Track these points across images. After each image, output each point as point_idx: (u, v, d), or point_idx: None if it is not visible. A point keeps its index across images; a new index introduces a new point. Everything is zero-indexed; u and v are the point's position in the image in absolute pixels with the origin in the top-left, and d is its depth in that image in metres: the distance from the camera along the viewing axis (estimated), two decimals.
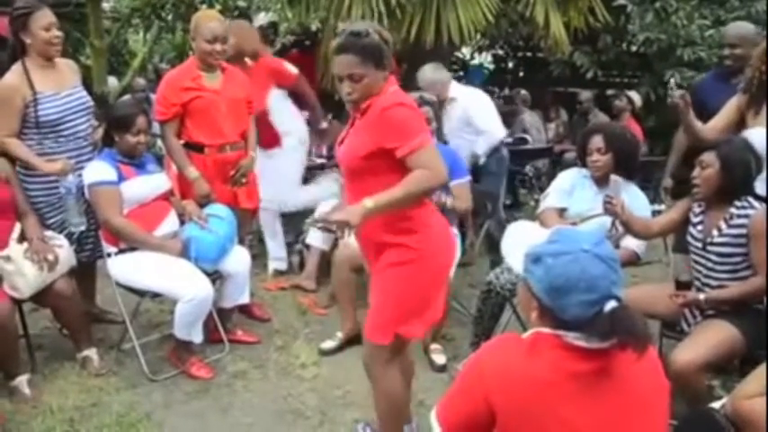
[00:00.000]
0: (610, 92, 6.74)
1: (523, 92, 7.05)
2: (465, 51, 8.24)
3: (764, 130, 2.75)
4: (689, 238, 2.49)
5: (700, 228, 2.45)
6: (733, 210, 2.36)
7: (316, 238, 3.88)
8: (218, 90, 3.17)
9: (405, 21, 4.31)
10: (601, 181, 2.85)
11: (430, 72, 3.94)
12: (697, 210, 2.49)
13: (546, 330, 1.30)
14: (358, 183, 2.04)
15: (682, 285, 2.49)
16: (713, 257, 2.39)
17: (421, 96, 3.23)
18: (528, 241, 1.44)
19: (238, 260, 3.15)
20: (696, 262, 2.47)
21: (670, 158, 3.72)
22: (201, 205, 3.13)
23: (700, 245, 2.44)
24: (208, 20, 3.16)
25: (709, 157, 2.39)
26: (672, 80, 3.02)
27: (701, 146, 2.86)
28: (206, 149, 3.20)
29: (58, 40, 2.93)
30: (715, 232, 2.38)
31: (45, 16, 2.89)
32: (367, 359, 2.18)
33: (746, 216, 2.32)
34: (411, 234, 2.02)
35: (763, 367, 1.92)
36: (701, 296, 2.38)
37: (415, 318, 2.09)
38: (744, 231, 2.31)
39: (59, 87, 2.97)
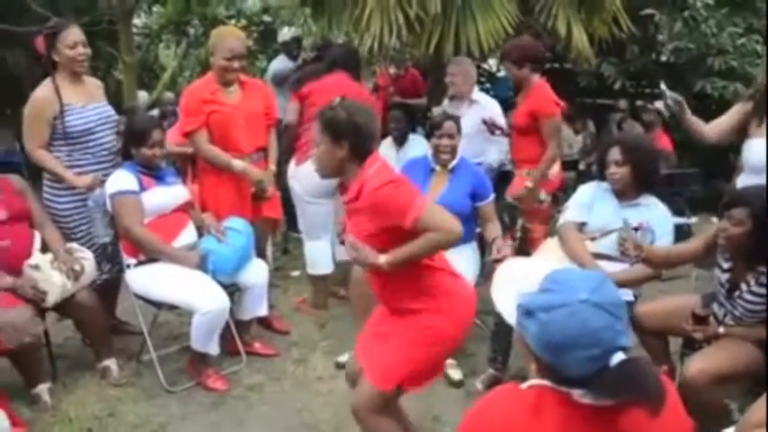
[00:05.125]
0: (639, 102, 6.63)
1: (562, 103, 6.78)
2: (491, 63, 8.21)
3: (765, 141, 2.69)
4: (716, 277, 2.42)
5: (728, 276, 2.35)
6: (764, 268, 2.22)
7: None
8: (235, 105, 3.20)
9: (424, 34, 4.34)
10: (621, 194, 2.79)
11: (455, 63, 4.07)
12: (727, 254, 2.35)
13: (550, 384, 1.17)
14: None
15: (699, 319, 2.36)
16: (739, 308, 2.33)
17: (444, 111, 3.22)
18: (517, 284, 1.28)
19: (256, 273, 3.17)
20: (721, 302, 2.41)
21: None
22: (255, 198, 3.30)
23: (724, 291, 2.36)
24: (227, 37, 3.21)
25: (739, 214, 2.19)
26: (663, 87, 2.95)
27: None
28: None
29: (83, 58, 3.04)
30: (744, 286, 2.30)
31: (71, 35, 3.01)
32: (358, 404, 2.09)
33: None
34: (434, 299, 2.07)
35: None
36: (721, 329, 2.34)
37: (421, 375, 2.12)
38: None
39: (87, 101, 3.09)
